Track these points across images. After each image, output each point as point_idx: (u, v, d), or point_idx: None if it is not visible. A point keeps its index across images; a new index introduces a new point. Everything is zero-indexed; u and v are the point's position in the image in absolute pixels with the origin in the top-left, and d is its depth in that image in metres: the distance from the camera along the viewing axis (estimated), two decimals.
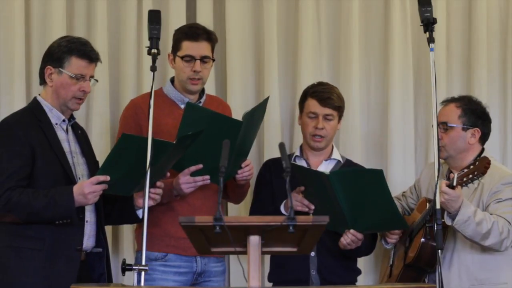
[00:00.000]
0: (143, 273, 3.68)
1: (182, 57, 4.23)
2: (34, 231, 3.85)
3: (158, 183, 3.96)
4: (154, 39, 3.96)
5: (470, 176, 3.98)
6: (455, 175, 4.00)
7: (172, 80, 4.38)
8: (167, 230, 4.20)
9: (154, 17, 3.99)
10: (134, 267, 3.68)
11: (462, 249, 4.27)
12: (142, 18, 4.91)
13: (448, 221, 4.06)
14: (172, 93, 4.32)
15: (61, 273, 3.84)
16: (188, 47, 4.23)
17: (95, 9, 4.94)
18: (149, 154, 3.77)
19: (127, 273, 3.71)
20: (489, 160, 3.98)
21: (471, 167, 4.00)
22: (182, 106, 4.28)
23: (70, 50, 3.96)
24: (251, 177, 4.31)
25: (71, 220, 3.84)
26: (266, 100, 4.24)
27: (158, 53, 3.97)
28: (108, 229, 4.86)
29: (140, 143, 3.83)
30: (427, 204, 4.30)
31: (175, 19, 4.91)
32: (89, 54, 3.99)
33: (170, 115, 4.20)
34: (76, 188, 3.82)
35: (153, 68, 3.92)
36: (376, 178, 4.07)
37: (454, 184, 3.98)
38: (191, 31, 4.26)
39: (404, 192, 4.67)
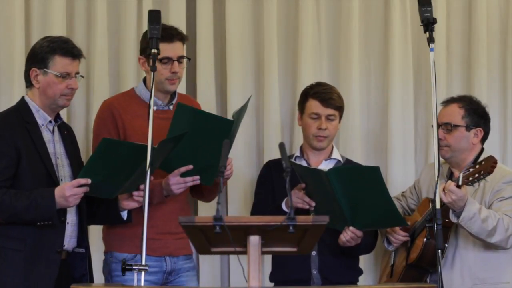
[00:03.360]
0: (143, 273, 3.68)
1: (160, 60, 4.22)
2: (16, 231, 3.87)
3: (142, 186, 3.95)
4: (154, 39, 3.96)
5: (476, 175, 3.98)
6: (460, 175, 4.00)
7: (144, 81, 4.37)
8: (137, 231, 4.17)
9: (154, 17, 3.99)
10: (134, 267, 3.68)
11: (464, 248, 4.27)
12: (142, 18, 4.91)
13: (453, 219, 4.06)
14: (145, 94, 4.29)
15: (41, 274, 3.87)
16: (165, 49, 4.20)
17: (95, 9, 4.94)
18: (149, 155, 3.77)
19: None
20: (496, 160, 3.98)
21: (477, 166, 3.99)
22: (155, 108, 4.25)
23: (52, 49, 3.97)
24: (231, 175, 4.29)
25: (52, 221, 3.85)
26: (248, 100, 4.24)
27: (158, 53, 3.97)
28: None
29: (121, 147, 3.87)
30: (430, 204, 4.30)
31: (175, 19, 4.90)
32: (71, 51, 4.00)
33: (142, 117, 4.12)
34: (57, 191, 3.84)
35: (153, 68, 3.92)
36: (373, 175, 4.08)
37: (460, 183, 3.98)
38: (165, 33, 4.23)
39: (403, 192, 4.67)
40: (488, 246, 4.21)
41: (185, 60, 4.30)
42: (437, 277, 4.06)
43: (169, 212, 4.22)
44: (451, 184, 3.99)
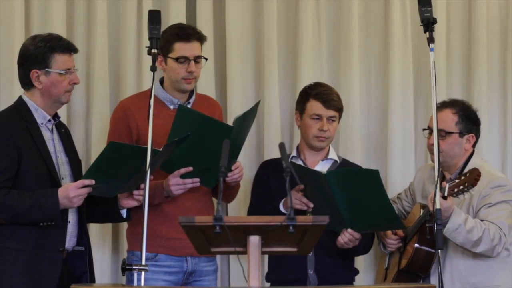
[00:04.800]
0: (143, 273, 3.68)
1: (176, 59, 4.24)
2: (18, 231, 3.86)
3: (142, 185, 3.95)
4: (154, 39, 3.96)
5: (461, 187, 3.99)
6: (446, 186, 4.01)
7: (161, 81, 4.38)
8: (157, 230, 4.21)
9: (154, 17, 3.99)
10: (134, 267, 3.68)
11: (454, 254, 4.27)
12: (142, 18, 4.91)
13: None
14: (161, 94, 4.33)
15: (44, 273, 3.87)
16: (182, 48, 4.24)
17: (95, 9, 4.94)
18: (149, 155, 3.78)
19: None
20: (479, 172, 3.98)
21: (462, 178, 4.00)
22: (172, 107, 4.30)
23: (51, 48, 3.96)
24: (241, 178, 4.32)
25: (56, 222, 3.85)
26: (257, 104, 4.26)
27: (158, 53, 3.98)
28: (108, 229, 4.88)
29: (127, 150, 3.88)
30: (421, 210, 4.32)
31: (175, 19, 4.89)
32: (68, 47, 4.01)
33: (159, 116, 4.19)
34: (61, 191, 3.84)
35: (153, 68, 3.92)
36: (372, 178, 4.08)
37: (446, 194, 3.98)
38: (183, 32, 4.26)
39: (399, 194, 4.68)
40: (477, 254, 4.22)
41: (202, 60, 4.31)
42: (429, 282, 4.19)
43: (189, 210, 4.23)
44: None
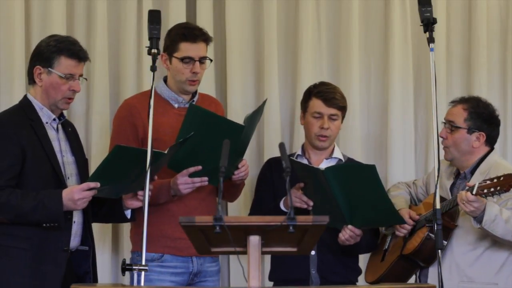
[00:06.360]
0: (143, 273, 3.68)
1: (181, 59, 4.24)
2: (22, 230, 3.85)
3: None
4: (154, 39, 3.97)
5: (492, 189, 3.94)
6: (476, 184, 3.98)
7: (165, 79, 4.38)
8: (163, 230, 4.21)
9: (154, 17, 4.00)
10: (134, 267, 3.68)
11: (456, 247, 4.26)
12: (142, 18, 4.91)
13: (475, 225, 4.04)
14: (166, 93, 4.33)
15: (47, 273, 3.86)
16: (188, 48, 4.24)
17: (95, 9, 4.94)
18: (149, 153, 3.78)
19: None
20: None
21: (495, 180, 3.95)
22: (176, 106, 4.31)
23: (59, 50, 3.95)
24: (247, 176, 4.32)
25: (59, 224, 3.84)
26: (264, 103, 4.26)
27: (158, 53, 3.99)
28: (108, 229, 4.88)
29: (134, 153, 3.88)
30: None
31: (175, 19, 4.90)
32: (78, 53, 3.98)
33: (164, 115, 4.21)
34: (65, 193, 3.83)
35: (153, 68, 3.93)
36: (370, 173, 4.09)
37: (474, 193, 3.96)
38: (189, 33, 4.26)
39: (415, 180, 4.66)
40: (480, 246, 4.21)
41: (207, 61, 4.31)
42: (427, 272, 4.22)
43: (195, 210, 4.23)
44: (468, 194, 3.97)
